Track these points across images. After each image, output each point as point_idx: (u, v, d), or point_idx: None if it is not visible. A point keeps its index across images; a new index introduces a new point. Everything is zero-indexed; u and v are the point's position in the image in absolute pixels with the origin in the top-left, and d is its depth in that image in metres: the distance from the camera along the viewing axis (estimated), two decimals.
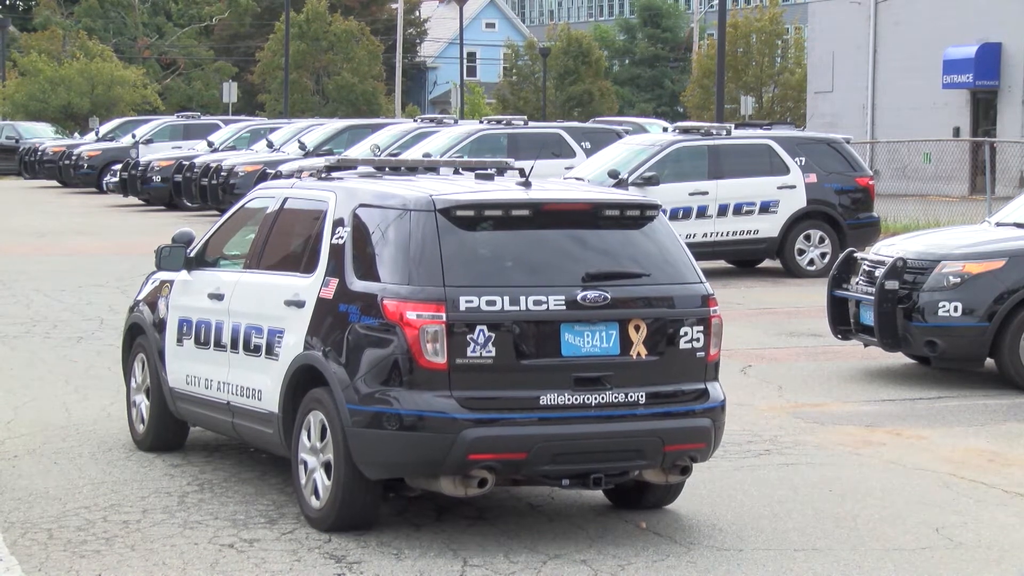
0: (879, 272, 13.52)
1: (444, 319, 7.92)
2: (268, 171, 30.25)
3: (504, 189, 8.61)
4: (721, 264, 22.49)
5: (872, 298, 13.50)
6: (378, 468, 8.18)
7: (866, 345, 14.07)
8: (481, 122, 29.32)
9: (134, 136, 41.93)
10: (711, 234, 21.10)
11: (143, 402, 10.51)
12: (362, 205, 8.55)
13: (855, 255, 14.27)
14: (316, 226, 8.85)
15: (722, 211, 21.14)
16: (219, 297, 9.61)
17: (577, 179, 21.71)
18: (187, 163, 33.55)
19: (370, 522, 8.49)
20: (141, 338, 10.56)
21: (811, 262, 21.61)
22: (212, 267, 10.03)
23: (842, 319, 14.08)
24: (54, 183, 44.28)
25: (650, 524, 8.78)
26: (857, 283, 13.93)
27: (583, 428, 8.10)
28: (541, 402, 8.03)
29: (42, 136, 52.38)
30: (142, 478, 9.69)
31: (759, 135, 22.02)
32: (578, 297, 8.12)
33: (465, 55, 71.85)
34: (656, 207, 8.61)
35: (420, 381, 7.94)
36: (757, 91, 60.69)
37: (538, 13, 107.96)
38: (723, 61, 33.43)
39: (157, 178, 35.36)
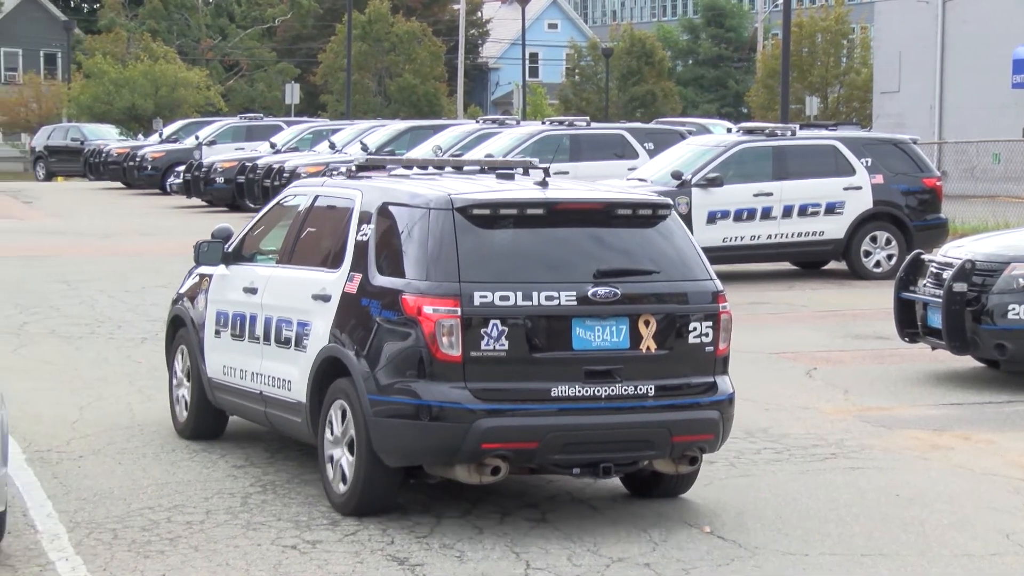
0: (947, 274, 13.40)
1: (459, 313, 8.33)
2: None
3: (521, 189, 9.06)
4: (786, 266, 22.36)
5: (940, 300, 13.38)
6: (396, 456, 8.61)
7: (934, 348, 13.94)
8: (543, 123, 29.29)
9: (197, 138, 42.22)
10: (776, 235, 21.00)
11: (184, 392, 10.99)
12: (386, 203, 9.00)
13: (922, 257, 14.15)
14: (343, 223, 9.30)
15: (787, 212, 21.03)
16: (253, 291, 10.10)
17: (640, 180, 21.67)
18: (250, 164, 33.73)
19: (390, 507, 8.90)
20: (183, 330, 11.02)
21: (877, 264, 21.45)
22: (248, 262, 10.50)
23: (909, 322, 13.96)
24: (118, 184, 44.66)
25: (714, 528, 8.74)
26: (925, 285, 13.81)
27: (593, 419, 8.50)
28: (552, 394, 8.42)
29: (106, 138, 52.88)
30: (205, 479, 9.76)
31: (824, 136, 21.88)
32: (589, 293, 8.52)
33: (527, 56, 71.84)
34: (668, 206, 9.00)
35: (436, 373, 8.35)
36: (822, 91, 60.35)
37: (601, 13, 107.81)
38: (788, 61, 33.25)
39: (220, 179, 35.56)
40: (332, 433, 8.98)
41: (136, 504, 9.12)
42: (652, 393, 8.60)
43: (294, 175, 31.28)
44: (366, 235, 9.00)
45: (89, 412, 11.86)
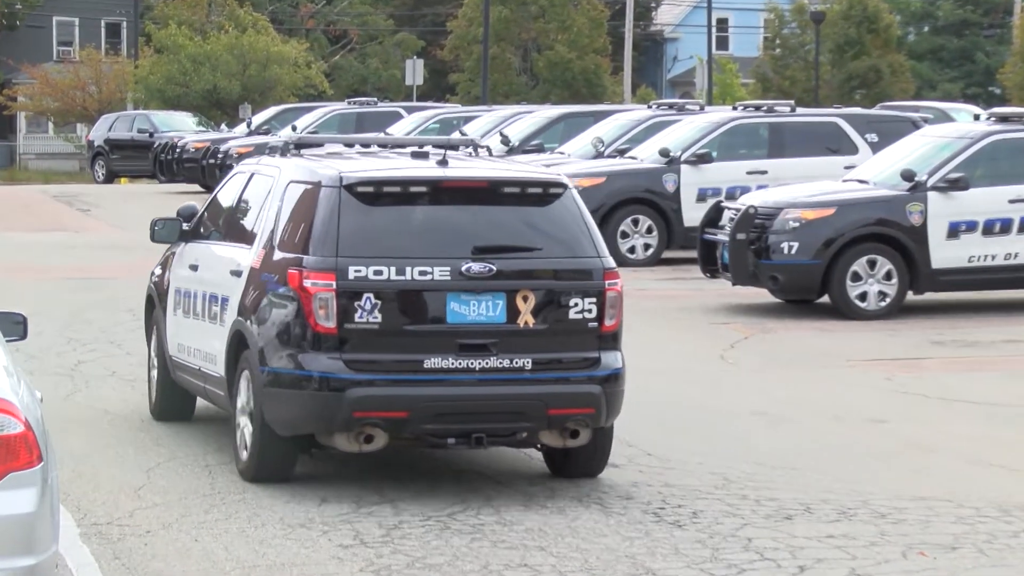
0: None
1: (334, 287, 10.90)
2: None
3: (414, 167, 11.68)
4: None
5: None
6: (283, 425, 11.27)
7: None
8: (735, 108, 29.21)
9: (295, 128, 42.74)
10: None
11: (155, 372, 13.88)
12: (292, 181, 11.78)
13: None
14: (262, 200, 12.17)
15: None
16: (195, 268, 13.10)
17: (859, 181, 21.50)
18: None
19: (287, 476, 11.52)
20: (155, 310, 13.96)
21: None
22: (204, 239, 13.28)
23: None
24: (196, 188, 45.32)
25: None
26: None
27: (466, 390, 11.00)
28: (425, 365, 10.97)
29: (181, 129, 53.69)
30: (304, 561, 9.85)
31: None
32: (463, 268, 11.00)
33: (714, 22, 71.64)
34: (562, 185, 11.43)
35: (314, 344, 11.00)
36: None
37: None
38: None
39: None
40: (239, 404, 11.67)
41: None
42: (529, 366, 11.06)
43: None
44: (275, 212, 11.77)
45: (158, 475, 12.04)
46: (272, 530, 10.55)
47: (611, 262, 11.32)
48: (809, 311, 20.96)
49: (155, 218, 13.81)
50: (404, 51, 77.61)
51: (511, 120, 34.87)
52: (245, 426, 11.61)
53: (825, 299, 20.79)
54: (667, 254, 26.71)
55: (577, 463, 11.74)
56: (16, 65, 77.73)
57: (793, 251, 20.42)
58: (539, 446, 11.60)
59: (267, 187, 12.16)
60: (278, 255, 11.44)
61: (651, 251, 26.56)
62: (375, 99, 49.56)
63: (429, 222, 11.16)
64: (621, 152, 28.19)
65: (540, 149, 31.51)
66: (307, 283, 10.95)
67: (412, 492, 11.43)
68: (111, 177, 56.59)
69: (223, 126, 55.90)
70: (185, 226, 13.67)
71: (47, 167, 76.65)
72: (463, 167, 11.73)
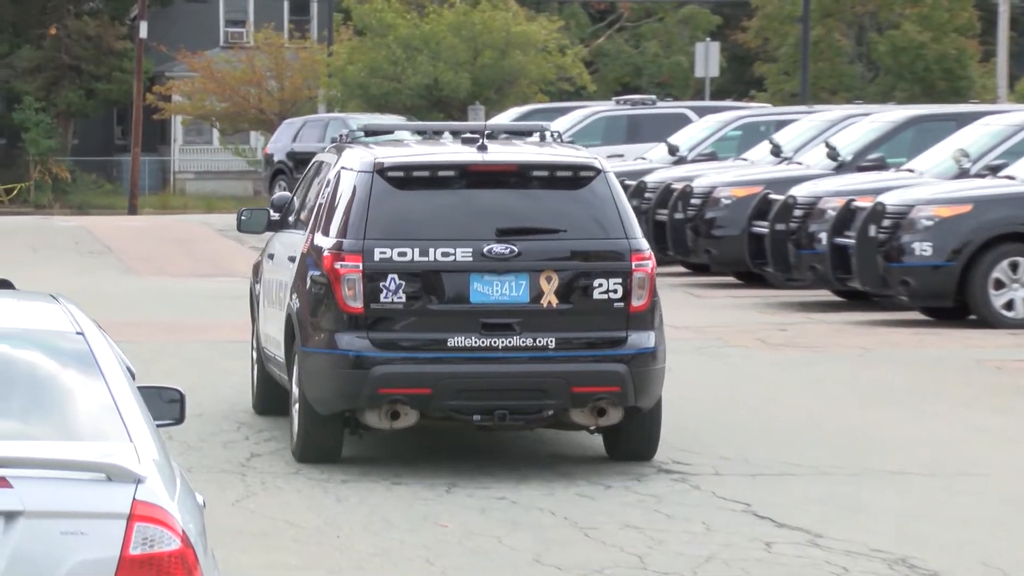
0: None
1: (361, 268, 15.03)
2: (772, 196, 30.39)
3: (452, 152, 16.09)
4: None
5: None
6: (322, 403, 15.47)
7: None
8: None
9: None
10: None
11: (256, 367, 18.36)
12: (342, 168, 16.01)
13: None
14: (320, 188, 16.52)
15: None
16: (272, 257, 17.85)
17: None
18: (633, 182, 34.11)
19: (334, 457, 15.77)
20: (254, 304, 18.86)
21: None
22: (287, 229, 17.64)
23: None
24: None
25: None
26: None
27: (488, 367, 15.08)
28: (449, 344, 15.11)
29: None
30: None
31: None
32: (485, 250, 15.07)
33: None
34: (594, 169, 15.46)
35: (344, 324, 15.22)
36: None
37: None
38: None
39: None
40: (293, 386, 15.84)
41: None
42: (552, 345, 15.09)
43: (709, 201, 31.54)
44: (326, 198, 16.00)
45: None
46: None
47: (641, 244, 15.25)
48: None
49: (243, 208, 18.30)
50: (693, 32, 77.74)
51: (840, 125, 34.63)
52: (295, 408, 15.79)
53: None
54: None
55: (628, 445, 15.87)
56: (171, 53, 79.13)
57: None
58: (592, 429, 15.60)
59: (325, 175, 16.55)
60: (319, 239, 15.72)
61: None
62: (653, 97, 49.65)
63: (457, 205, 15.47)
64: (994, 170, 27.88)
65: (882, 165, 31.32)
66: (337, 265, 15.15)
67: None
68: None
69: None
70: (274, 216, 18.18)
71: (210, 190, 78.00)
72: (498, 152, 15.91)
